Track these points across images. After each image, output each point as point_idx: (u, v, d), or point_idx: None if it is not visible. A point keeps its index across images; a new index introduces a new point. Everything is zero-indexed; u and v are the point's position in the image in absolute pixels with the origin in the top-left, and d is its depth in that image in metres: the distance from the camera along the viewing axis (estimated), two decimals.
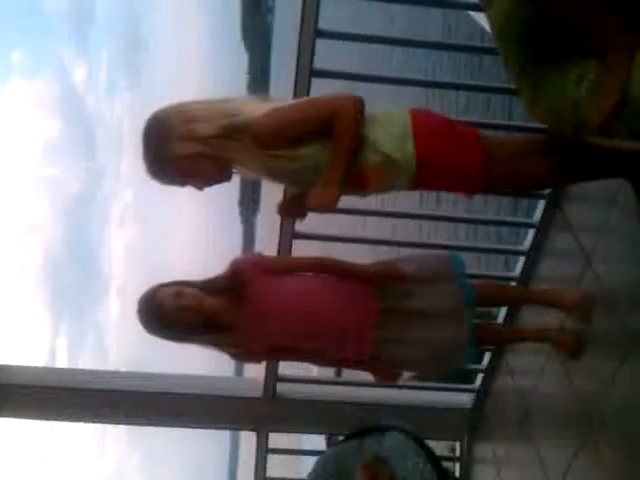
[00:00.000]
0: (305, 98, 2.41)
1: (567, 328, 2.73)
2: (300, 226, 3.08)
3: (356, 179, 2.10)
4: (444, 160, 2.10)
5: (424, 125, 2.12)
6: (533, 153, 2.17)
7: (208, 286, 2.40)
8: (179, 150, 2.03)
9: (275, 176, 2.14)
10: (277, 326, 2.43)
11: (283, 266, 2.58)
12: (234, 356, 2.53)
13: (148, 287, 2.38)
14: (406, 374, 2.89)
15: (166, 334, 2.38)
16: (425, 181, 2.14)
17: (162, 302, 2.32)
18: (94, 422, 3.97)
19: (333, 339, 2.45)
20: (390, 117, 2.13)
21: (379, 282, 2.48)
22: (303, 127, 2.05)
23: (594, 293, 2.56)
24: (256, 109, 2.06)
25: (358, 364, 2.57)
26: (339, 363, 2.73)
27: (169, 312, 2.31)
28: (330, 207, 2.10)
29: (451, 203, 8.29)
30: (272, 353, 2.61)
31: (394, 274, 2.49)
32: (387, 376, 2.65)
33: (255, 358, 2.64)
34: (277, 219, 3.05)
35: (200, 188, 2.16)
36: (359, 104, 2.05)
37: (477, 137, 2.15)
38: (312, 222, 3.36)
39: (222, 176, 2.14)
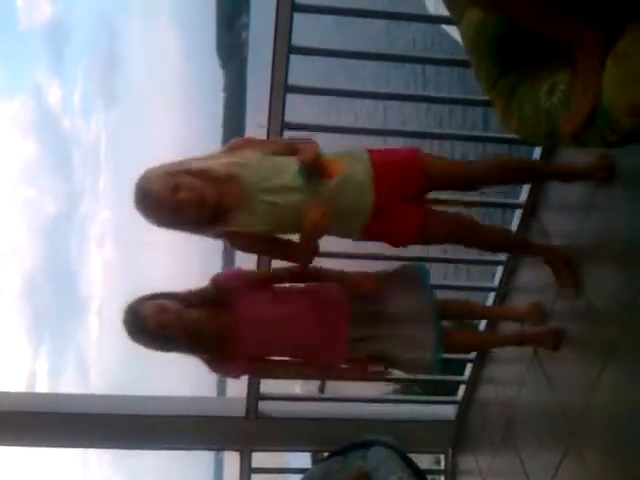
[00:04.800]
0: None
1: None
2: None
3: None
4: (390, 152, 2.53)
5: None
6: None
7: (191, 298, 2.47)
8: (166, 171, 2.30)
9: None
10: (259, 335, 2.50)
11: (262, 278, 2.69)
12: (214, 368, 2.55)
13: (133, 299, 2.44)
14: (387, 388, 2.93)
15: (150, 345, 2.45)
16: (380, 166, 2.42)
17: (145, 316, 2.39)
18: (76, 447, 3.93)
19: (313, 344, 2.53)
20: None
21: (349, 284, 2.62)
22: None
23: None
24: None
25: (338, 369, 2.67)
26: (320, 372, 2.82)
27: (152, 326, 2.38)
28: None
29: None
30: (252, 364, 2.61)
31: (363, 278, 2.63)
32: (366, 371, 2.68)
33: (235, 370, 2.62)
34: None
35: (193, 216, 2.28)
36: None
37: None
38: None
39: (206, 196, 2.26)
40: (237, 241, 2.41)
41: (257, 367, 2.69)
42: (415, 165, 2.47)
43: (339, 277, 2.64)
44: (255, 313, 2.50)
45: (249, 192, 2.32)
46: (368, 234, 2.49)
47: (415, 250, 2.72)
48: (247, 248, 2.53)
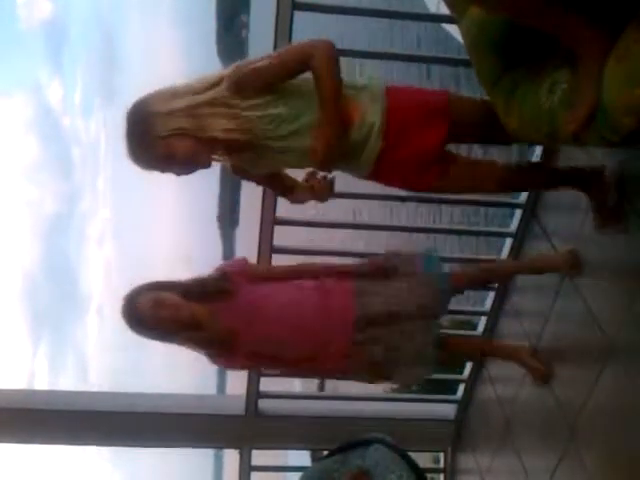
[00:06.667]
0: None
1: (539, 352, 2.79)
2: (279, 240, 3.09)
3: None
4: (412, 93, 2.23)
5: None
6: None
7: (192, 288, 2.42)
8: (158, 129, 2.02)
9: (256, 133, 2.08)
10: (262, 330, 2.47)
11: (267, 273, 2.65)
12: (214, 359, 2.53)
13: (132, 289, 2.41)
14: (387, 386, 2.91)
15: (147, 337, 2.42)
16: (396, 114, 2.15)
17: (141, 310, 2.36)
18: (75, 444, 3.93)
19: (315, 344, 2.51)
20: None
21: (357, 274, 2.59)
22: (280, 69, 2.06)
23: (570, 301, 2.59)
24: None
25: (338, 370, 2.64)
26: (318, 372, 2.79)
27: (148, 320, 2.36)
28: (332, 146, 2.08)
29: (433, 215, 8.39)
30: (252, 359, 2.58)
31: (370, 265, 2.63)
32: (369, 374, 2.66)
33: (235, 362, 2.61)
34: (256, 233, 3.05)
35: (180, 173, 2.12)
36: (332, 44, 2.07)
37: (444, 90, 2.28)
38: (291, 235, 3.37)
39: (202, 157, 2.10)
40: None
41: (255, 364, 2.71)
42: (440, 120, 2.17)
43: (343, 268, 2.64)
44: (261, 310, 2.47)
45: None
46: (377, 172, 2.25)
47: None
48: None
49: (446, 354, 2.75)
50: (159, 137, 2.03)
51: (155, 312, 2.35)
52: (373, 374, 2.65)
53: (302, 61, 2.05)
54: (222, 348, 2.46)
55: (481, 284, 3.14)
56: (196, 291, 2.42)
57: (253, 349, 2.51)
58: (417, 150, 2.18)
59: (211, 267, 2.55)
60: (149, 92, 2.09)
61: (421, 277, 2.58)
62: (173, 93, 2.06)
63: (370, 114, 2.14)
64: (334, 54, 2.06)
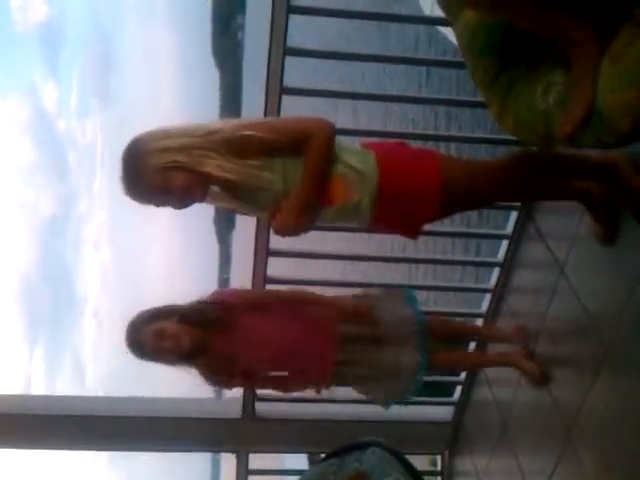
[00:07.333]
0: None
1: (535, 354, 2.82)
2: (275, 243, 3.09)
3: (323, 194, 2.14)
4: (404, 168, 2.19)
5: (382, 144, 2.34)
6: (492, 172, 2.27)
7: (191, 315, 2.53)
8: (154, 162, 2.04)
9: (246, 188, 2.11)
10: (257, 353, 2.60)
11: (259, 299, 2.77)
12: (211, 382, 2.68)
13: (133, 316, 2.52)
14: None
15: (151, 362, 2.55)
16: (387, 194, 2.16)
17: (144, 340, 2.48)
18: (72, 449, 3.91)
19: (302, 362, 2.66)
20: (350, 143, 2.26)
21: (345, 313, 2.70)
22: (278, 143, 2.07)
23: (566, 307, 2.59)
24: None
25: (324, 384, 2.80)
26: (305, 384, 2.85)
27: (150, 350, 2.49)
28: (297, 232, 2.17)
29: None
30: (246, 378, 2.74)
31: (359, 310, 2.73)
32: None
33: (231, 383, 2.77)
34: (252, 237, 3.07)
35: (176, 207, 2.15)
36: (333, 128, 2.13)
37: (433, 151, 2.31)
38: (287, 239, 3.35)
39: (197, 190, 2.12)
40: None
41: (248, 382, 2.86)
42: (431, 199, 2.17)
43: (332, 302, 2.72)
44: (253, 334, 2.59)
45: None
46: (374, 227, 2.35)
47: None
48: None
49: (437, 371, 2.99)
50: (156, 170, 2.05)
51: (157, 343, 2.46)
52: (357, 390, 2.85)
53: (302, 140, 2.10)
54: (218, 369, 2.59)
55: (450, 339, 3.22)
56: (194, 317, 2.52)
57: (249, 369, 2.65)
58: (407, 216, 2.26)
59: (205, 293, 2.64)
60: (143, 132, 2.12)
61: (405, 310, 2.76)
62: (167, 133, 2.10)
63: (359, 193, 2.16)
64: (333, 138, 2.12)
